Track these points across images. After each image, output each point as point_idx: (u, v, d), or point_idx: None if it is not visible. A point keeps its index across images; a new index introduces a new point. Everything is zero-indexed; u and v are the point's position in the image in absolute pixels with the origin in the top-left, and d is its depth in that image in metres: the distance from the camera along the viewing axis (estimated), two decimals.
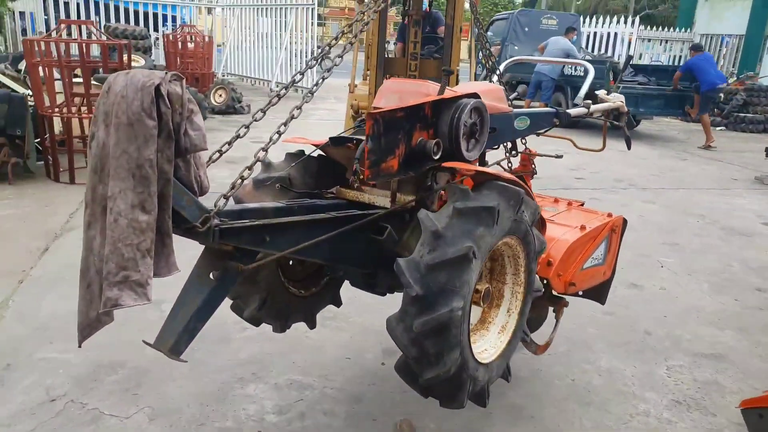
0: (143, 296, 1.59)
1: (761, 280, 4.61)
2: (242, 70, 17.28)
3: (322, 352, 3.16)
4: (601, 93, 3.50)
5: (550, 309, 2.93)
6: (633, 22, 18.47)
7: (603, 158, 9.09)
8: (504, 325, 2.36)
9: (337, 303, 2.81)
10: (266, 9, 16.22)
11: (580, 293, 2.88)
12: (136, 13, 15.39)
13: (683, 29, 21.44)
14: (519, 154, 3.09)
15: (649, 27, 20.87)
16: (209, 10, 18.20)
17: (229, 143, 1.90)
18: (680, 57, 20.94)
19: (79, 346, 1.75)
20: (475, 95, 2.32)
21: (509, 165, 3.11)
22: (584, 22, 18.36)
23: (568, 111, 3.10)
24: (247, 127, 1.93)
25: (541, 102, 12.02)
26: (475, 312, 2.25)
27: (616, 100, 3.42)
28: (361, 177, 2.13)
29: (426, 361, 1.97)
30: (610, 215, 2.98)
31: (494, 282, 2.36)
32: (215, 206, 1.77)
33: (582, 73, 11.67)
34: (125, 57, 6.32)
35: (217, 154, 1.92)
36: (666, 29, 21.52)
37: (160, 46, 14.63)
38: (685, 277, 4.58)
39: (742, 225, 6.10)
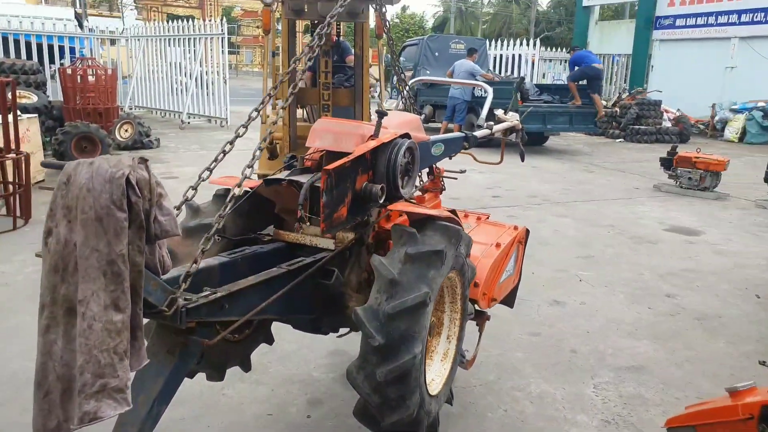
0: (123, 402, 1.48)
1: (669, 286, 4.82)
2: (151, 102, 16.68)
3: (241, 411, 2.93)
4: (499, 113, 3.78)
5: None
6: (535, 44, 19.35)
7: (516, 175, 9.38)
8: (446, 352, 2.44)
9: (270, 341, 2.77)
10: (174, 39, 15.80)
11: None
12: (28, 45, 14.52)
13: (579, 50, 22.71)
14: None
15: (549, 48, 21.97)
16: (112, 42, 17.49)
17: (178, 208, 1.83)
18: None
19: None
20: (406, 135, 2.46)
21: (422, 183, 3.19)
22: (490, 45, 19.06)
23: (475, 134, 3.32)
24: (195, 188, 1.97)
25: (455, 124, 12.31)
26: None
27: (512, 119, 3.70)
28: (308, 223, 2.19)
29: (388, 407, 2.00)
30: (516, 228, 3.10)
31: (435, 312, 2.38)
32: (179, 285, 1.69)
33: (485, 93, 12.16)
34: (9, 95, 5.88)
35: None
36: (564, 50, 22.69)
37: (57, 81, 13.85)
38: (602, 289, 4.71)
39: (648, 233, 6.40)
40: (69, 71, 11.56)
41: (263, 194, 2.38)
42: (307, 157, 2.41)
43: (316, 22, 5.36)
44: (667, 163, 8.72)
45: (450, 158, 3.28)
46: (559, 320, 4.10)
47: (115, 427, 1.69)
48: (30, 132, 7.65)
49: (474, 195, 7.75)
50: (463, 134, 3.26)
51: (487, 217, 3.28)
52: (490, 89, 3.94)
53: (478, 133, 3.34)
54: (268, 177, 2.36)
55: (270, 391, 3.12)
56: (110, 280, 1.45)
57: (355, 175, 2.20)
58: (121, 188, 1.45)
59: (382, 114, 2.40)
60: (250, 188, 2.32)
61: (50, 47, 14.95)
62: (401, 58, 16.62)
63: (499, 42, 20.11)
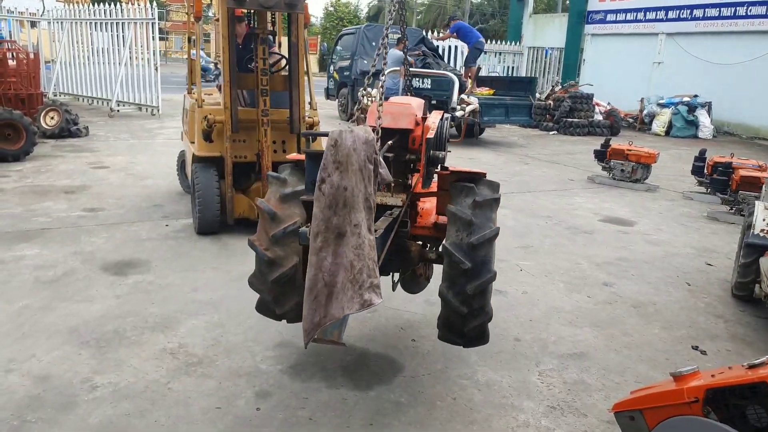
0: (379, 296, 2.14)
1: (605, 275, 4.99)
2: (77, 89, 15.84)
3: (188, 405, 2.84)
4: (464, 97, 4.39)
5: None
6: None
7: (455, 166, 9.48)
8: None
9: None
10: (101, 23, 15.05)
11: None
12: None
13: (513, 42, 23.21)
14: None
15: (485, 40, 22.32)
16: (33, 24, 16.50)
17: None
18: (513, 68, 22.66)
19: (306, 347, 2.27)
20: (442, 116, 3.15)
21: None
22: (428, 34, 19.15)
23: (456, 115, 3.83)
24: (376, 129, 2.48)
25: None
26: None
27: (473, 102, 4.37)
28: (393, 185, 2.75)
29: (472, 315, 2.64)
30: None
31: None
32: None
33: (428, 86, 12.30)
34: None
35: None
36: (497, 42, 23.10)
37: None
38: (542, 278, 4.82)
39: (584, 223, 6.60)
40: None
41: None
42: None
43: (253, 11, 5.39)
44: (600, 155, 9.02)
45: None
46: (502, 309, 4.15)
47: (319, 333, 2.18)
48: None
49: None
50: (450, 115, 3.63)
51: None
52: (455, 77, 4.41)
53: (458, 113, 3.79)
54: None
55: (217, 384, 3.03)
56: (367, 211, 2.14)
57: (429, 144, 2.80)
58: (372, 148, 2.14)
59: (427, 98, 2.95)
60: (296, 160, 2.86)
61: None
62: (337, 47, 16.50)
63: (436, 32, 20.27)
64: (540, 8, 30.80)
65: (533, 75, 21.80)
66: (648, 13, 18.84)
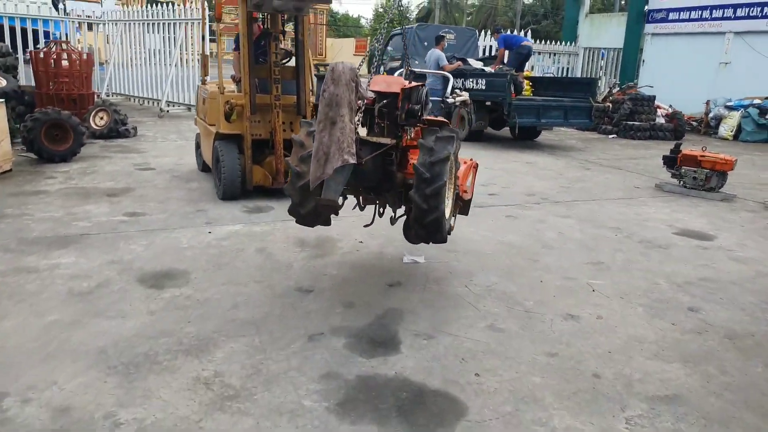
0: (353, 158, 3.28)
1: (690, 297, 4.43)
2: (129, 90, 16.01)
3: None
4: (457, 91, 5.14)
5: None
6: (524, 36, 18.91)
7: (511, 171, 8.99)
8: (449, 196, 3.90)
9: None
10: (153, 24, 15.13)
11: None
12: (0, 28, 13.79)
13: (568, 43, 22.38)
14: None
15: (536, 41, 21.54)
16: (90, 26, 16.71)
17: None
18: (568, 69, 21.84)
19: (311, 188, 3.43)
20: (422, 85, 3.99)
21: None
22: (479, 35, 18.59)
23: (447, 100, 4.51)
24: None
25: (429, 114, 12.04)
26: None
27: (465, 95, 5.90)
28: (387, 130, 3.89)
29: (429, 210, 3.54)
30: (471, 159, 4.66)
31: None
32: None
33: (483, 87, 11.79)
34: None
35: None
36: (550, 43, 22.30)
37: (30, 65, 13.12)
38: (617, 301, 4.30)
39: (657, 236, 6.01)
40: (42, 54, 10.89)
41: None
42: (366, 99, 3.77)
43: (267, 14, 6.27)
44: (670, 161, 8.34)
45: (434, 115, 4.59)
46: (575, 337, 3.68)
47: (323, 195, 3.37)
48: None
49: None
50: (440, 98, 4.20)
51: None
52: (450, 76, 6.49)
53: (449, 100, 4.78)
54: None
55: (255, 423, 2.65)
56: (349, 109, 3.31)
57: (407, 100, 3.79)
58: (354, 73, 3.40)
59: (413, 72, 4.22)
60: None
61: (23, 31, 14.20)
62: (388, 48, 16.13)
63: (487, 34, 19.69)
64: (596, 8, 29.75)
65: (590, 76, 20.95)
66: (714, 11, 17.74)
